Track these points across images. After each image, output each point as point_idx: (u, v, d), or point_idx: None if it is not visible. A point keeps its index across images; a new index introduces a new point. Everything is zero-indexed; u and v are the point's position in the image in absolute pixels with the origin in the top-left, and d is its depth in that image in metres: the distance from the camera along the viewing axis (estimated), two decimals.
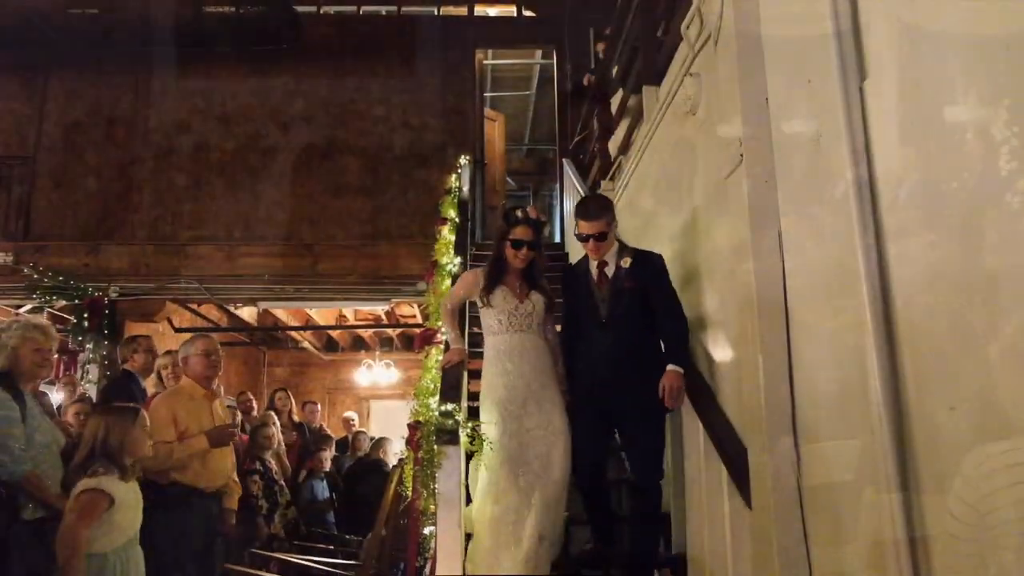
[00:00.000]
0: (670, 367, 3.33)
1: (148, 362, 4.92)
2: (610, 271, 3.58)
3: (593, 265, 3.65)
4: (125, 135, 9.04)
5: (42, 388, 4.83)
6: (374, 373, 12.38)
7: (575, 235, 3.65)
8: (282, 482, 5.59)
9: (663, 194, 4.67)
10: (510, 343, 3.52)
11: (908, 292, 2.01)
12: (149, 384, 5.07)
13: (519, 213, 3.62)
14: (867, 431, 2.12)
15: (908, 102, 2.01)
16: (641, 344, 3.52)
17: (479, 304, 3.69)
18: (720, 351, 3.41)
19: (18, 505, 3.30)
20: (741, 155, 2.90)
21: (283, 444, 6.29)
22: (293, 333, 11.89)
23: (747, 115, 2.93)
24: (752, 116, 2.91)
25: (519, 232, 3.59)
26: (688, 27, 3.82)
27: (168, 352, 4.87)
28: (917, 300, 1.98)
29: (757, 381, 2.71)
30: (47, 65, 9.06)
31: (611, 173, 6.48)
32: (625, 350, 3.49)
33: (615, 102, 6.58)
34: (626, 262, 3.54)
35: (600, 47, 7.50)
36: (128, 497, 3.23)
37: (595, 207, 3.65)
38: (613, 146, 6.46)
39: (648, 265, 3.58)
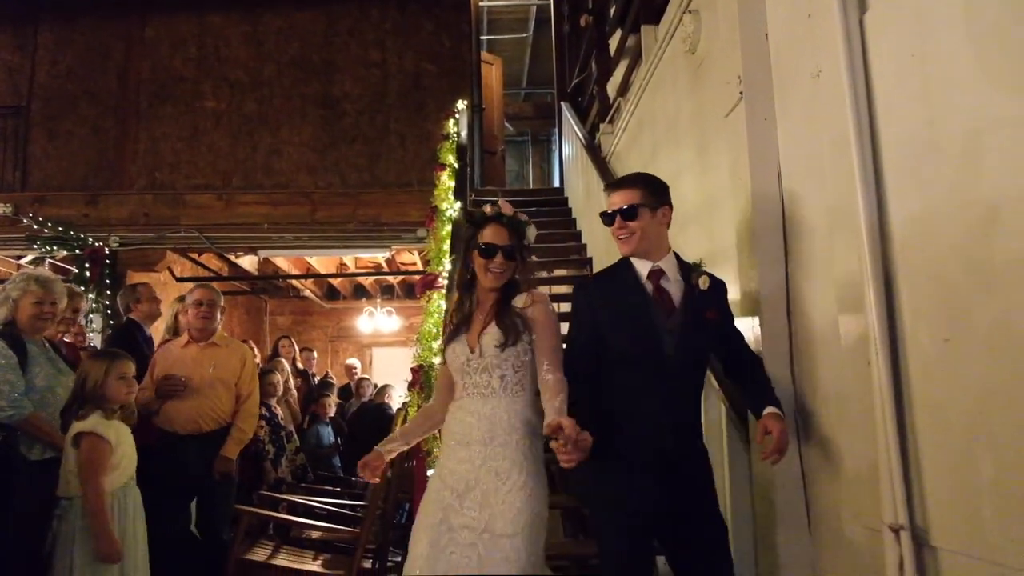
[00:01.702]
0: (771, 410, 2.40)
1: (152, 310, 4.94)
2: (673, 287, 2.48)
3: (642, 275, 2.50)
4: (119, 84, 8.93)
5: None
6: (376, 321, 12.45)
7: (602, 220, 2.64)
8: (291, 428, 5.66)
9: (663, 134, 4.65)
10: (462, 414, 2.46)
11: (906, 227, 2.02)
12: (157, 332, 5.10)
13: (487, 208, 2.56)
14: (863, 363, 2.15)
15: (909, 34, 1.99)
16: (699, 400, 2.59)
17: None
18: None
19: (21, 447, 3.40)
20: (741, 92, 2.89)
21: (293, 391, 6.37)
22: (294, 282, 11.92)
23: (746, 52, 2.91)
24: (751, 53, 2.89)
25: (488, 234, 2.49)
26: None
27: (181, 298, 4.85)
28: (915, 235, 1.99)
29: (756, 317, 2.74)
30: (37, 13, 8.90)
31: (610, 115, 6.44)
32: (691, 406, 2.51)
33: (613, 43, 6.50)
34: (705, 282, 2.47)
35: None
36: (123, 438, 3.31)
37: (628, 177, 2.68)
38: (612, 88, 6.40)
39: (720, 292, 2.57)
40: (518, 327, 2.42)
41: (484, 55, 10.33)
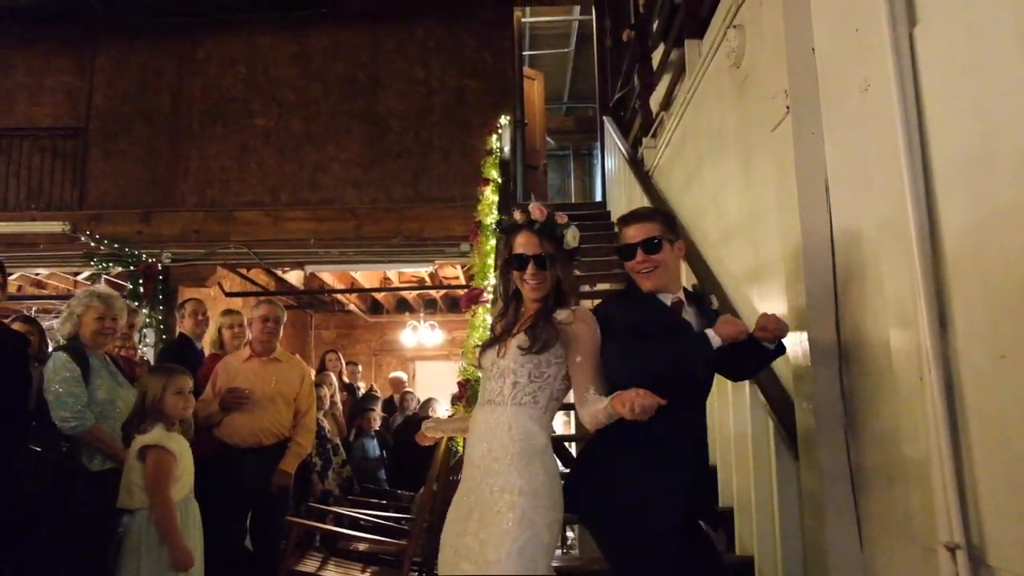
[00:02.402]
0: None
1: (197, 324, 5.07)
2: (690, 317, 2.48)
3: (667, 302, 2.48)
4: (171, 104, 9.19)
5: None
6: (419, 334, 12.55)
7: (618, 253, 2.59)
8: (337, 441, 5.75)
9: (707, 148, 4.64)
10: (473, 425, 2.35)
11: (958, 241, 2.00)
12: (207, 346, 5.22)
13: (517, 215, 2.38)
14: (915, 379, 2.12)
15: (960, 48, 1.98)
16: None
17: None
18: (766, 304, 3.41)
19: (83, 457, 3.51)
20: (787, 107, 2.88)
21: (339, 405, 6.46)
22: (339, 296, 12.09)
23: (793, 66, 2.90)
24: (798, 67, 2.88)
25: (520, 243, 2.35)
26: None
27: (228, 311, 4.96)
28: (968, 249, 1.96)
29: (804, 334, 2.72)
30: (95, 38, 9.21)
31: (653, 130, 6.43)
32: (701, 430, 2.49)
33: (656, 57, 6.50)
34: (712, 303, 2.59)
35: (640, 1, 7.38)
36: (184, 452, 3.41)
37: (643, 210, 2.74)
38: (655, 102, 6.40)
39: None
40: (547, 336, 2.26)
41: (526, 70, 10.40)
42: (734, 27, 3.82)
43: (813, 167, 2.79)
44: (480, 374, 2.49)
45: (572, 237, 2.36)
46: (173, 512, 3.23)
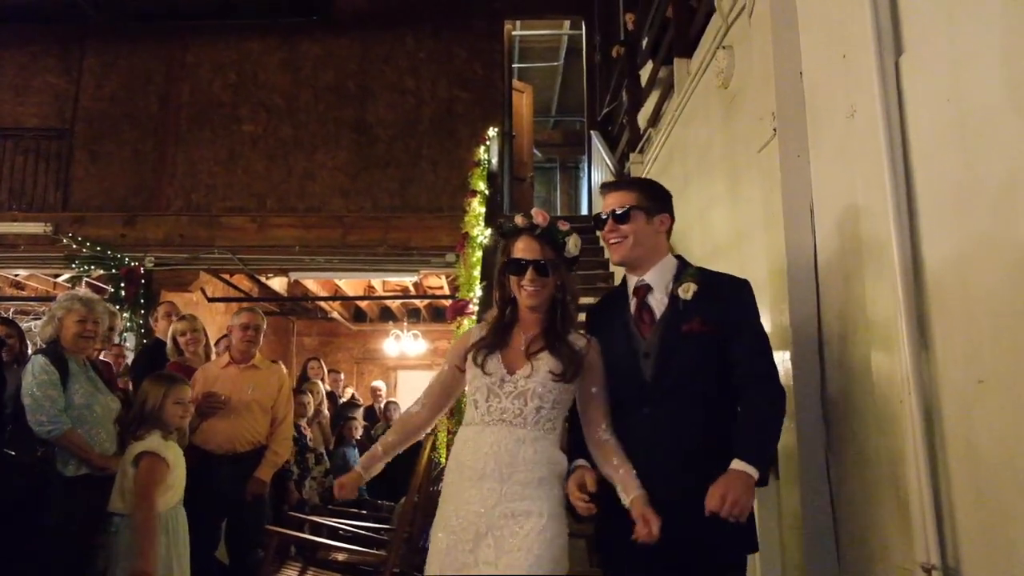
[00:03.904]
0: (737, 463, 2.02)
1: (166, 327, 5.03)
2: (657, 302, 2.26)
3: (630, 289, 2.34)
4: (159, 108, 9.16)
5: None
6: (402, 344, 12.53)
7: (594, 225, 2.46)
8: (321, 450, 5.72)
9: (693, 166, 4.68)
10: (477, 442, 2.18)
11: (941, 267, 2.03)
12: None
13: (519, 219, 2.30)
14: (896, 401, 2.15)
15: (945, 78, 2.02)
16: (711, 436, 2.15)
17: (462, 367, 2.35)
18: None
19: (57, 462, 3.48)
20: (774, 129, 2.92)
21: (325, 413, 6.43)
22: (322, 303, 12.05)
23: (780, 89, 2.94)
24: (786, 90, 2.92)
25: (519, 247, 2.25)
26: None
27: (183, 317, 4.89)
28: (950, 275, 2.00)
29: (787, 351, 2.75)
30: (84, 40, 9.19)
31: (640, 145, 6.48)
32: (681, 445, 2.15)
33: (645, 74, 6.56)
34: (688, 290, 2.19)
35: (630, 18, 7.45)
36: (178, 460, 3.39)
37: (626, 179, 2.63)
38: (642, 118, 6.45)
39: (727, 296, 2.23)
40: (572, 364, 2.19)
41: (515, 83, 10.46)
42: (723, 48, 3.87)
43: (798, 189, 2.83)
44: (446, 378, 2.35)
45: (574, 245, 2.29)
46: (154, 521, 3.20)
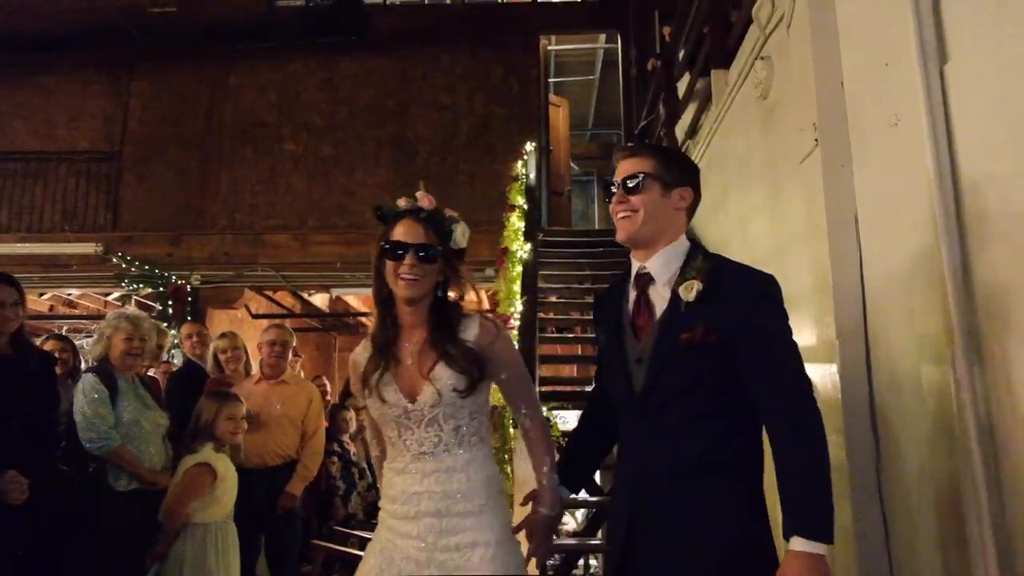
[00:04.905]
0: (797, 543, 1.63)
1: (193, 347, 5.13)
2: (659, 298, 1.91)
3: (631, 280, 1.99)
4: (203, 129, 9.38)
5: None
6: None
7: (605, 196, 2.08)
8: (364, 465, 5.77)
9: (733, 178, 4.65)
10: (405, 484, 1.96)
11: (992, 280, 2.00)
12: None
13: (401, 201, 2.01)
14: (949, 416, 2.11)
15: (993, 85, 1.99)
16: (711, 460, 1.81)
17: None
18: (796, 337, 3.40)
19: (109, 477, 3.57)
20: (816, 140, 2.89)
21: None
22: (363, 319, 12.17)
23: (822, 99, 2.91)
24: (827, 100, 2.89)
25: (400, 231, 1.96)
26: (759, 9, 3.79)
27: (224, 335, 4.98)
28: (1001, 287, 1.96)
29: (833, 366, 2.71)
30: (130, 64, 9.46)
31: None
32: (674, 470, 1.82)
33: (682, 86, 6.53)
34: (690, 289, 1.82)
35: (666, 30, 7.44)
36: (228, 473, 3.46)
37: (639, 145, 2.23)
38: (680, 131, 6.43)
39: (739, 296, 1.82)
40: (474, 368, 1.93)
41: (551, 97, 10.50)
42: (762, 58, 3.84)
43: (842, 200, 2.79)
44: (378, 415, 2.02)
45: (462, 234, 2.02)
46: (177, 526, 3.26)
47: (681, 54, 6.52)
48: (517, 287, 4.48)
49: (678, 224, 1.97)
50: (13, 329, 3.21)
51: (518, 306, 4.20)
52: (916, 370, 2.33)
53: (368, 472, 5.82)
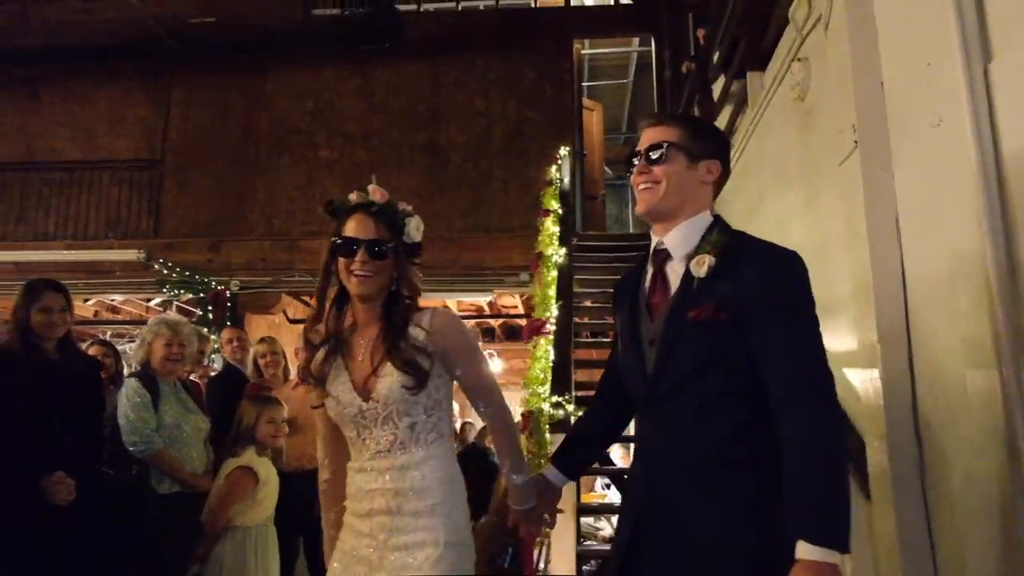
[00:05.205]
0: (804, 549, 1.46)
1: (233, 352, 5.21)
2: (675, 275, 1.79)
3: (650, 256, 1.89)
4: (241, 137, 9.53)
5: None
6: None
7: (625, 170, 2.03)
8: None
9: (770, 181, 4.60)
10: (363, 483, 1.95)
11: None
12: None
13: (353, 196, 2.00)
14: (998, 421, 2.07)
15: None
16: (726, 451, 1.67)
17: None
18: (834, 340, 3.36)
19: (152, 480, 3.64)
20: (855, 141, 2.85)
21: None
22: None
23: (861, 100, 2.87)
24: (866, 101, 2.85)
25: (352, 226, 1.94)
26: (795, 10, 3.75)
27: (263, 340, 5.03)
28: None
29: (875, 371, 2.67)
30: (170, 74, 9.65)
31: None
32: (689, 463, 1.69)
33: (717, 89, 6.49)
34: (701, 264, 1.70)
35: (700, 33, 7.39)
36: (270, 477, 3.51)
37: (665, 113, 1.94)
38: None
39: (754, 271, 1.68)
40: (422, 363, 1.89)
41: (585, 101, 10.50)
42: (798, 60, 3.80)
43: (883, 202, 2.75)
44: (326, 414, 2.01)
45: (415, 228, 2.01)
46: (220, 529, 3.31)
47: (716, 56, 6.47)
48: (552, 292, 4.48)
49: (702, 198, 1.85)
50: (61, 334, 3.30)
51: (553, 311, 4.20)
52: (961, 374, 2.28)
53: None
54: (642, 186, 1.83)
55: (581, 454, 2.20)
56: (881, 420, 2.60)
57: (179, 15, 9.24)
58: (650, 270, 1.85)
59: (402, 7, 9.73)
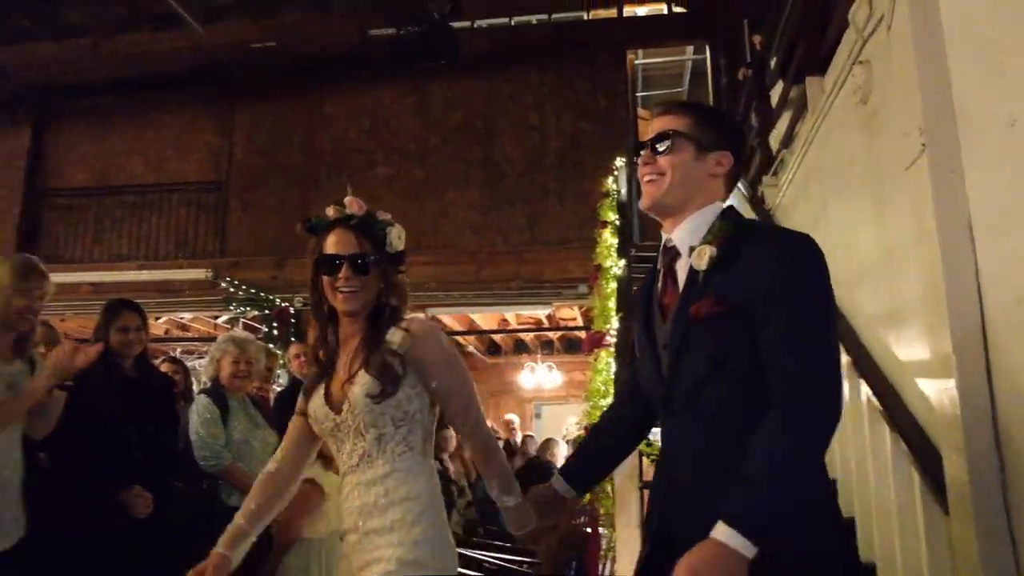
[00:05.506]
0: (719, 530, 1.39)
1: (301, 366, 5.29)
2: (683, 272, 1.68)
3: (662, 253, 1.77)
4: (301, 157, 9.76)
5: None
6: (537, 376, 12.62)
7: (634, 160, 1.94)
8: (464, 484, 5.84)
9: (833, 187, 4.51)
10: (342, 498, 1.94)
11: None
12: None
13: (330, 210, 1.97)
14: None
15: None
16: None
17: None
18: (905, 349, 3.26)
19: (221, 494, 3.74)
20: (923, 144, 2.78)
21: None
22: (458, 337, 12.34)
23: (928, 102, 2.80)
24: (934, 103, 2.78)
25: (331, 242, 1.91)
26: (855, 12, 3.68)
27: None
28: None
29: (950, 381, 2.58)
30: (234, 98, 9.96)
31: (774, 168, 6.30)
32: (703, 482, 1.57)
33: (774, 95, 6.39)
34: (702, 256, 1.60)
35: (756, 39, 7.29)
36: (335, 490, 3.56)
37: (676, 102, 1.87)
38: (774, 140, 6.28)
39: (760, 257, 1.56)
40: (395, 370, 1.82)
41: (640, 111, 10.44)
42: (860, 63, 3.73)
43: (954, 204, 2.67)
44: (303, 423, 2.01)
45: (397, 237, 1.95)
46: (291, 542, 3.36)
47: (773, 62, 6.38)
48: (612, 304, 4.47)
49: (712, 192, 1.72)
50: (137, 352, 3.43)
51: (614, 323, 4.18)
52: None
53: (467, 490, 5.89)
54: (647, 178, 1.73)
55: (589, 466, 2.03)
56: (959, 432, 2.51)
57: (242, 41, 9.54)
58: (662, 271, 1.75)
59: (456, 24, 9.84)
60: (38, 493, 2.89)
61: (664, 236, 1.76)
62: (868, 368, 3.37)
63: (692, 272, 1.62)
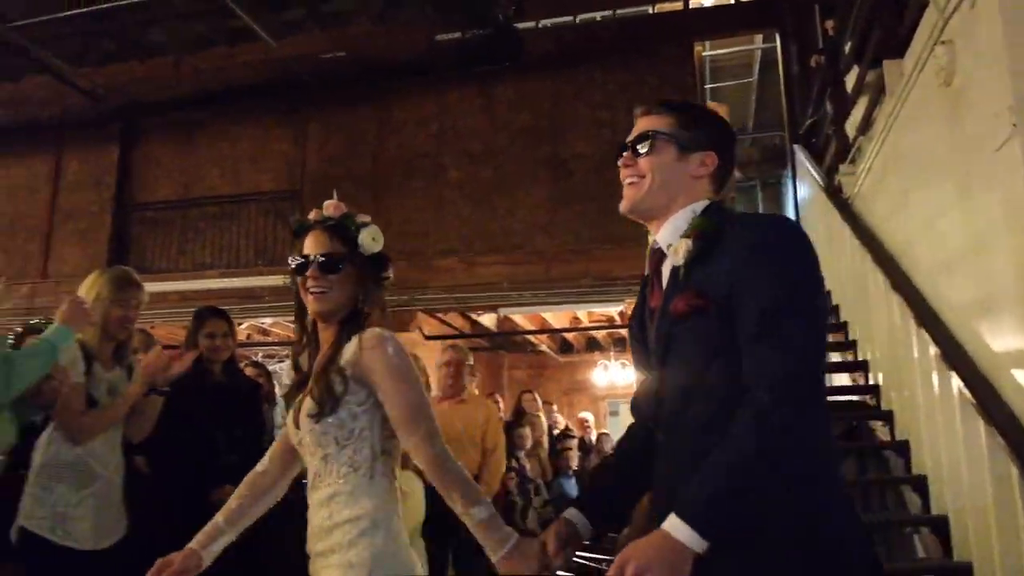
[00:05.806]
0: (669, 521, 1.32)
1: None
2: (667, 272, 1.60)
3: (649, 256, 1.70)
4: (372, 164, 9.94)
5: None
6: (610, 373, 12.55)
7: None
8: (540, 481, 5.86)
9: (916, 173, 4.36)
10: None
11: None
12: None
13: (311, 214, 1.94)
14: None
15: None
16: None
17: None
18: (998, 339, 3.13)
19: (307, 495, 3.83)
20: (1014, 124, 2.67)
21: (544, 446, 6.58)
22: (530, 337, 12.38)
23: (1017, 80, 2.69)
24: None
25: (307, 244, 1.88)
26: None
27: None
28: None
29: None
30: (306, 108, 10.21)
31: (851, 156, 6.13)
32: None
33: (850, 81, 6.22)
34: (679, 250, 1.53)
35: (829, 24, 7.10)
36: (413, 489, 3.61)
37: (660, 101, 1.76)
38: (851, 127, 6.11)
39: (739, 245, 1.46)
40: (334, 387, 1.76)
41: (709, 104, 10.28)
42: (942, 43, 3.60)
43: None
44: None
45: (369, 237, 1.89)
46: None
47: (847, 47, 6.20)
48: None
49: (696, 193, 1.62)
50: (225, 358, 3.56)
51: None
52: None
53: (543, 488, 5.90)
54: (627, 181, 1.66)
55: (605, 499, 1.79)
56: None
57: (313, 52, 9.78)
58: (651, 273, 1.66)
59: (521, 25, 9.87)
60: (137, 495, 3.03)
61: (650, 239, 1.68)
62: (959, 360, 3.25)
63: (673, 270, 1.55)
